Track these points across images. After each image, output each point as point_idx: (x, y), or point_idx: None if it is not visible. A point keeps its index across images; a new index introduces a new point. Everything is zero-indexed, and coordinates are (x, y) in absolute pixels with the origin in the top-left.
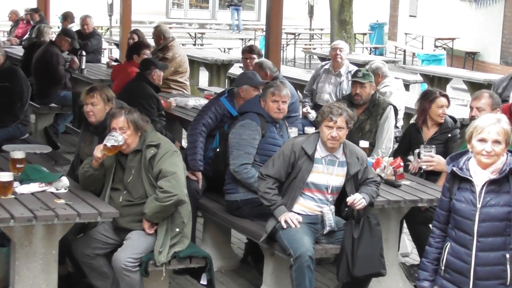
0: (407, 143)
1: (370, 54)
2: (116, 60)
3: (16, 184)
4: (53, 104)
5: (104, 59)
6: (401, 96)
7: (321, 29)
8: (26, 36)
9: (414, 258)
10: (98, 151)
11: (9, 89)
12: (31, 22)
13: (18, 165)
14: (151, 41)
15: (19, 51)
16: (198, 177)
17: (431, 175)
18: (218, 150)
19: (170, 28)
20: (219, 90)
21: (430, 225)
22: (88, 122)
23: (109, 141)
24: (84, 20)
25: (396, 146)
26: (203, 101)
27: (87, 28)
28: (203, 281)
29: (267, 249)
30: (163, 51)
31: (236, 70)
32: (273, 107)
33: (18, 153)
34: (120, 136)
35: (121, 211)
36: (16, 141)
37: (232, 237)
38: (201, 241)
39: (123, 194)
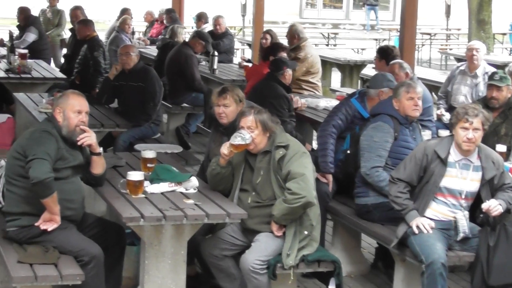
0: None
1: (510, 55)
2: (248, 61)
3: (146, 183)
4: (185, 104)
5: (236, 59)
6: None
7: (458, 29)
8: (160, 36)
9: None
10: (224, 148)
11: (143, 89)
12: (165, 23)
13: (149, 165)
14: (283, 41)
15: (153, 51)
16: (328, 179)
17: None
18: (348, 152)
19: (303, 28)
20: (351, 91)
21: None
22: (218, 122)
23: (236, 139)
24: (217, 20)
25: None
26: (335, 102)
27: (219, 28)
28: (332, 285)
29: (398, 254)
30: (296, 51)
31: (369, 71)
32: (409, 105)
33: (149, 153)
34: (247, 134)
35: (250, 213)
36: (148, 141)
37: (362, 241)
38: (331, 245)
39: (251, 195)
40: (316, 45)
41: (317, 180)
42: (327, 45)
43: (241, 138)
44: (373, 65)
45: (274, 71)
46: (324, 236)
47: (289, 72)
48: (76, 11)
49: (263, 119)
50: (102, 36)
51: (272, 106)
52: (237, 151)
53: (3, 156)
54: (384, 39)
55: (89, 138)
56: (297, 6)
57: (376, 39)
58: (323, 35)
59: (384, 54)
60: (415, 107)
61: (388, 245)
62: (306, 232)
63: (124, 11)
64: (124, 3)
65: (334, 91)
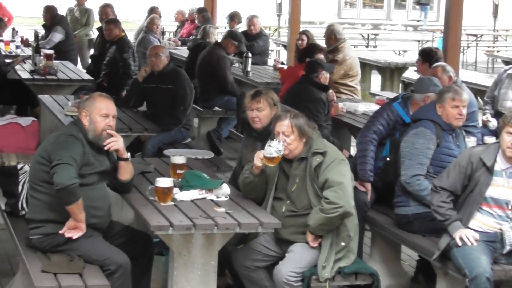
0: None
1: None
2: (281, 63)
3: (175, 190)
4: (216, 108)
5: (271, 61)
6: None
7: (507, 30)
8: (191, 37)
9: None
10: (258, 160)
11: (173, 91)
12: (197, 23)
13: (178, 171)
14: (320, 42)
15: (183, 52)
16: (367, 188)
17: None
18: (388, 159)
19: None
20: (392, 95)
21: None
22: (251, 127)
23: (270, 152)
24: (251, 20)
25: None
26: (374, 107)
27: (253, 28)
28: None
29: (440, 268)
30: (333, 52)
31: (411, 74)
32: (453, 114)
33: (179, 158)
34: (281, 145)
35: (284, 222)
36: (178, 146)
37: (402, 253)
38: (369, 257)
39: (286, 204)
40: (355, 46)
41: (355, 188)
42: (367, 46)
43: (275, 151)
44: (415, 68)
45: (309, 73)
46: (362, 247)
47: (325, 75)
48: (106, 8)
49: (300, 124)
50: (130, 36)
51: (308, 110)
52: (271, 164)
53: (27, 160)
54: (427, 41)
55: (116, 142)
56: (335, 6)
57: (418, 41)
58: (362, 36)
59: (427, 57)
60: (459, 116)
61: (429, 258)
62: (343, 244)
63: (152, 10)
64: (153, 1)
65: (373, 95)
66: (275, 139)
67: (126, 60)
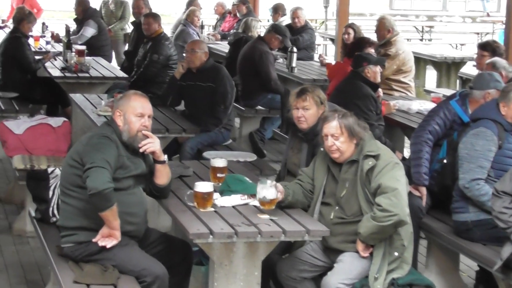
0: None
1: None
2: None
3: (216, 195)
4: (259, 107)
5: (318, 56)
6: None
7: None
8: (232, 31)
9: None
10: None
11: (212, 89)
12: (238, 16)
13: (218, 175)
14: (369, 36)
15: (224, 47)
16: (422, 192)
17: None
18: (445, 161)
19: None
20: (448, 92)
21: None
22: (296, 127)
23: (263, 196)
24: (295, 12)
25: None
26: (430, 105)
27: (298, 21)
28: None
29: (503, 279)
30: (385, 46)
31: (469, 69)
32: None
33: (219, 161)
34: (273, 189)
35: (332, 230)
36: (218, 148)
37: (461, 263)
38: (424, 267)
39: (335, 210)
40: (408, 40)
41: (409, 193)
42: (421, 39)
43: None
44: (474, 63)
45: (355, 68)
46: (416, 257)
47: (372, 69)
48: (139, 2)
49: (349, 124)
50: (167, 30)
51: (358, 108)
52: (266, 207)
53: (58, 164)
54: (487, 33)
55: (153, 144)
56: None
57: (477, 33)
58: (416, 28)
59: (488, 50)
60: None
61: (490, 268)
62: (396, 254)
63: (191, 2)
64: None
65: (428, 92)
66: (267, 179)
67: (154, 62)
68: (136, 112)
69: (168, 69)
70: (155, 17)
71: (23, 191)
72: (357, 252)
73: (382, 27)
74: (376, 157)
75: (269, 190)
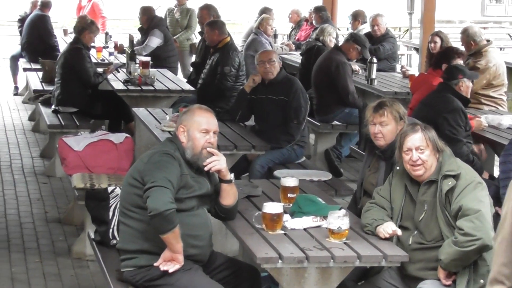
0: None
1: None
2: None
3: (286, 217)
4: (336, 122)
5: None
6: None
7: None
8: (309, 39)
9: None
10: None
11: (285, 103)
12: (314, 23)
13: (289, 195)
14: (458, 45)
15: (297, 57)
16: None
17: None
18: None
19: (485, 28)
20: None
21: None
22: (373, 144)
23: (336, 225)
24: (374, 19)
25: None
26: None
27: (377, 29)
28: None
29: None
30: (475, 57)
31: None
32: None
33: (290, 180)
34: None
35: (411, 256)
36: (290, 166)
37: None
38: None
39: (413, 235)
40: (501, 49)
41: (496, 215)
42: None
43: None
44: None
45: (447, 80)
46: None
47: (466, 83)
48: (203, 11)
49: (433, 136)
50: (238, 40)
51: (446, 122)
52: (339, 239)
53: (120, 183)
54: None
55: (218, 162)
56: (478, 1)
57: None
58: (510, 36)
59: None
60: None
61: None
62: (482, 281)
63: (264, 10)
64: (264, 1)
65: None
66: (339, 208)
67: (227, 75)
68: (201, 128)
69: (236, 81)
70: (211, 25)
71: (82, 212)
72: (438, 280)
73: (467, 40)
74: (456, 176)
75: (343, 220)
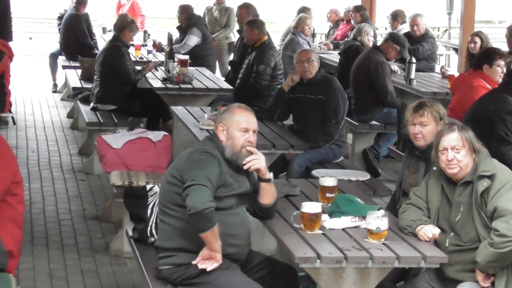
0: None
1: None
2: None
3: (324, 217)
4: (374, 122)
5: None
6: None
7: None
8: (347, 39)
9: None
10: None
11: (323, 103)
12: (353, 23)
13: (328, 194)
14: (499, 45)
15: (336, 57)
16: None
17: None
18: None
19: None
20: None
21: None
22: (412, 144)
23: (375, 226)
24: (414, 19)
25: None
26: None
27: (417, 29)
28: None
29: None
30: None
31: None
32: None
33: (329, 180)
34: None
35: (449, 258)
36: (328, 165)
37: None
38: None
39: (450, 237)
40: None
41: None
42: None
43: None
44: None
45: (509, 84)
46: None
47: None
48: (242, 10)
49: (470, 137)
50: (276, 39)
51: (503, 123)
52: (378, 239)
53: (158, 181)
54: None
55: (258, 161)
56: None
57: None
58: None
59: None
60: None
61: None
62: None
63: (302, 10)
64: (303, 1)
65: None
66: (378, 208)
67: (262, 74)
68: (240, 127)
69: (274, 80)
70: (251, 24)
71: (120, 209)
72: (477, 282)
73: (509, 39)
74: (491, 177)
75: (382, 220)
